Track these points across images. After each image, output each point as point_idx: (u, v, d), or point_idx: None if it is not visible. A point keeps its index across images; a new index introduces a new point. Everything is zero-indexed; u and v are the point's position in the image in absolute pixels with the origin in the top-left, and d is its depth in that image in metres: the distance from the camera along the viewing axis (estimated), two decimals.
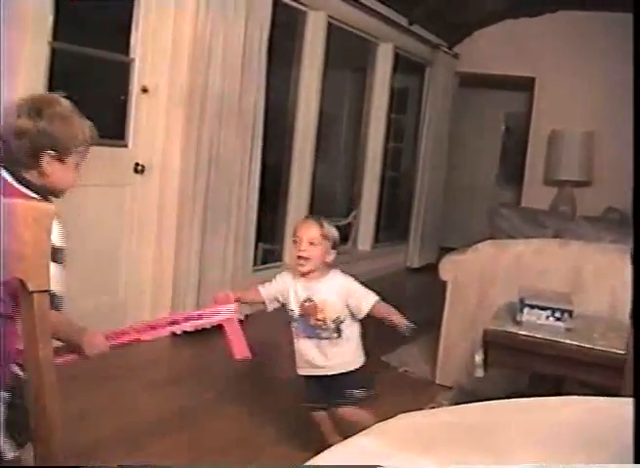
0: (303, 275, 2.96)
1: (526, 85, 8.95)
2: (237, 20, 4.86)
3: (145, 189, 4.71)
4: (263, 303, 3.06)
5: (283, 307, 3.04)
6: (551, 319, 3.38)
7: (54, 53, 4.01)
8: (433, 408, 3.66)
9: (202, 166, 4.75)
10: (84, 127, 2.15)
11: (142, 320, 4.62)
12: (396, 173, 9.39)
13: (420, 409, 3.35)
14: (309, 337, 2.96)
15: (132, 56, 4.60)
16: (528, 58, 8.62)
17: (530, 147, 9.04)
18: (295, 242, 2.98)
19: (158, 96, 4.66)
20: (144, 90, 4.63)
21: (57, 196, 2.14)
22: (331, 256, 2.95)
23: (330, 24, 6.53)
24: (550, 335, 3.32)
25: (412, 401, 3.91)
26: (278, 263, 6.50)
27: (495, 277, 4.20)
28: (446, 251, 5.06)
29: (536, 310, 3.41)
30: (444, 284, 4.39)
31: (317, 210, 7.24)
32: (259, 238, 5.96)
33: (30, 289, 1.32)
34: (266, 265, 6.41)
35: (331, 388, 2.99)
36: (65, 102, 2.14)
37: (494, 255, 4.23)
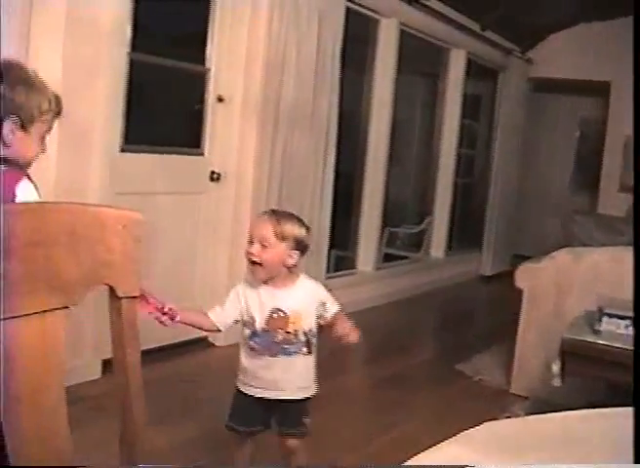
0: (266, 282, 2.51)
1: (601, 89, 8.80)
2: (310, 30, 4.91)
3: (221, 197, 4.76)
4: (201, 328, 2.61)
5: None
6: (631, 328, 3.33)
7: (132, 63, 4.10)
8: (509, 417, 3.63)
9: (275, 173, 4.79)
10: (49, 95, 1.97)
11: None
12: (469, 179, 9.31)
13: (495, 418, 3.32)
14: (274, 355, 2.46)
15: (207, 66, 4.68)
16: (602, 63, 8.46)
17: (605, 153, 8.88)
18: (248, 243, 2.55)
19: (233, 105, 4.71)
20: (220, 99, 4.70)
21: (21, 168, 1.95)
22: (292, 260, 2.48)
23: (402, 31, 6.54)
24: (630, 345, 3.26)
25: (486, 410, 3.88)
26: (352, 270, 6.54)
27: (571, 285, 4.14)
28: (519, 258, 5.01)
29: (614, 319, 3.36)
30: (518, 292, 4.34)
31: (390, 216, 7.26)
32: (332, 245, 5.98)
33: (119, 295, 1.35)
34: (339, 272, 6.43)
35: (280, 413, 2.56)
36: (28, 68, 1.98)
37: (570, 264, 4.18)
